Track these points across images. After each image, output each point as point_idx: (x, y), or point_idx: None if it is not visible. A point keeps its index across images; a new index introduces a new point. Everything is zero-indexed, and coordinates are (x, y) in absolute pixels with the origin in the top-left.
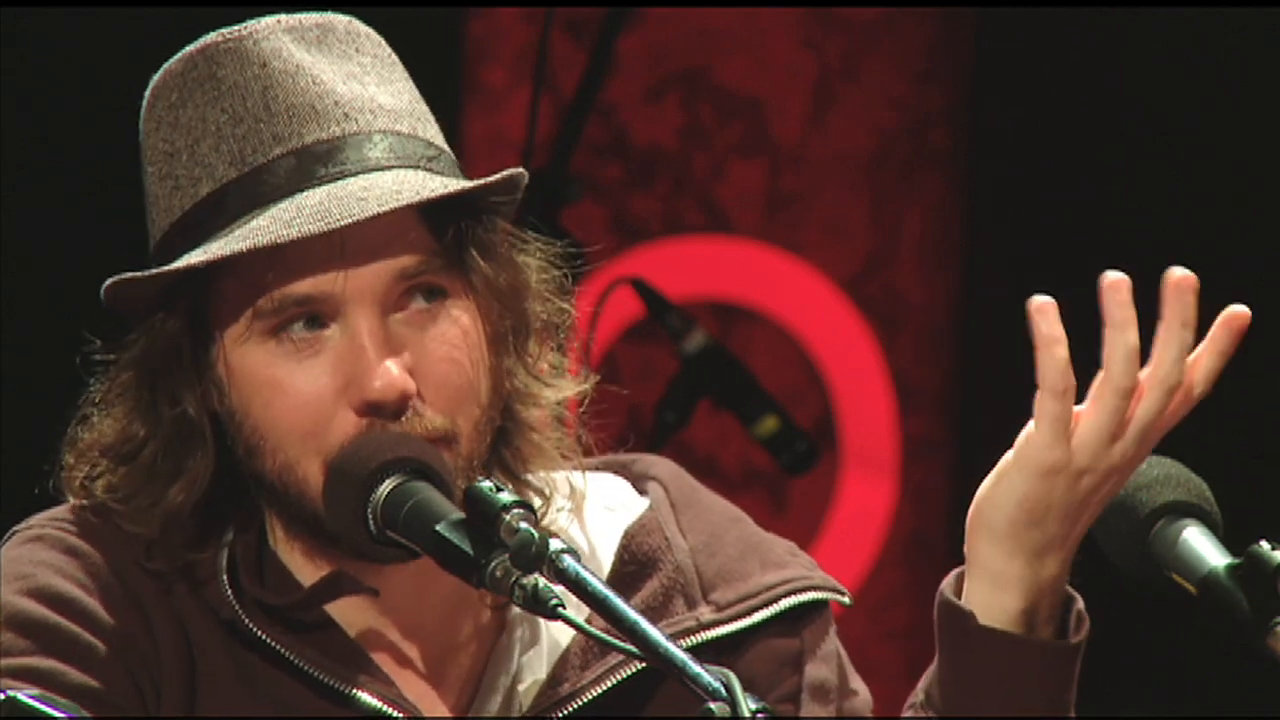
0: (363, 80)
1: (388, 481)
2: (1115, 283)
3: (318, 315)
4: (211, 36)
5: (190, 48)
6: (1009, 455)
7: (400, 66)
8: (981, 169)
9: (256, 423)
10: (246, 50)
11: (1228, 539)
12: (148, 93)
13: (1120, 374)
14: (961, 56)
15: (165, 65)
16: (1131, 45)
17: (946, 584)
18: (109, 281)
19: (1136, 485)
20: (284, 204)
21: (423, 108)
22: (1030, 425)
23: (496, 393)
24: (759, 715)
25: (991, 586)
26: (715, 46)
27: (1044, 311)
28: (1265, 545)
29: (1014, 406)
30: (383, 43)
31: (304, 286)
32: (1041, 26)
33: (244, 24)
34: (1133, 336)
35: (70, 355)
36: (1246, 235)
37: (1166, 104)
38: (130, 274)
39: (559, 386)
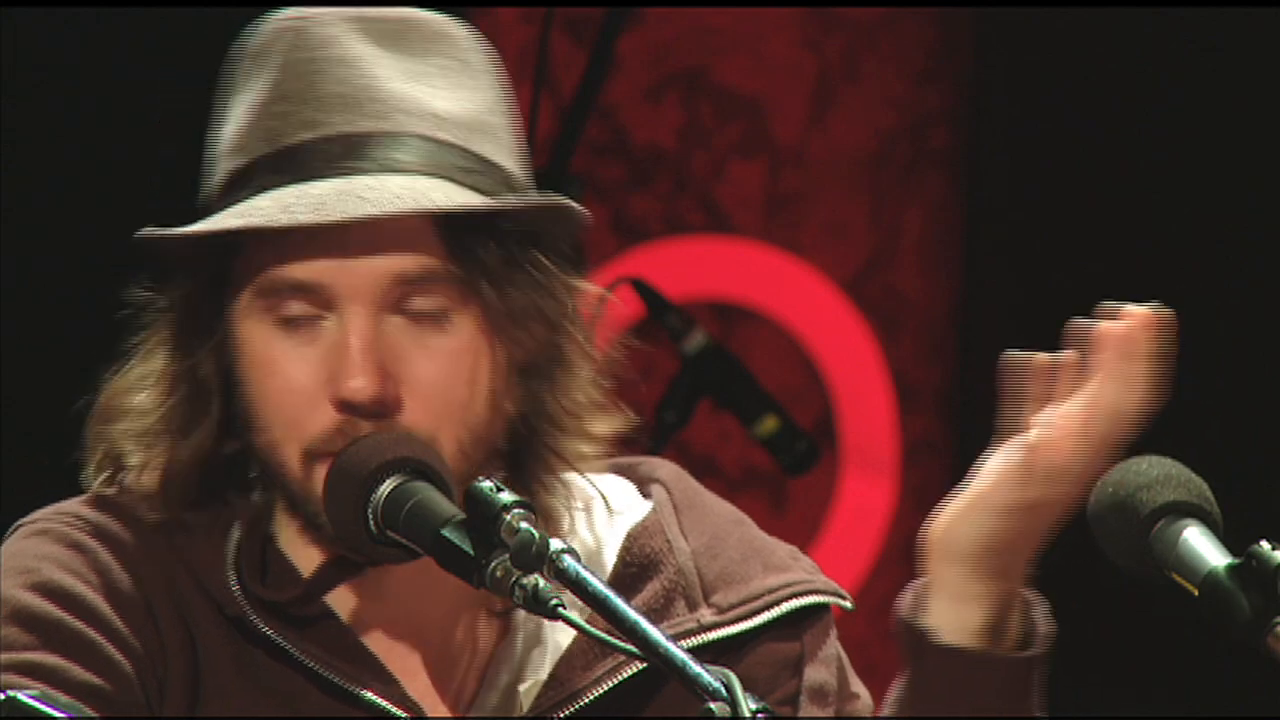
0: (431, 82)
1: (388, 481)
2: (1081, 328)
3: (314, 303)
4: (286, 12)
5: (270, 18)
6: (972, 492)
7: (488, 75)
8: (981, 169)
9: (250, 398)
10: (309, 32)
11: (1228, 539)
12: (232, 58)
13: (1079, 416)
14: (961, 56)
15: (250, 31)
16: (1132, 45)
17: (905, 602)
18: (139, 233)
19: (1136, 485)
20: (291, 189)
21: (493, 120)
22: (991, 465)
23: (494, 416)
24: (759, 715)
25: (954, 603)
26: (715, 46)
27: (1014, 369)
28: (1265, 545)
29: None
30: (475, 48)
31: (301, 273)
32: (1041, 27)
33: (319, 8)
34: (1095, 383)
35: (80, 346)
36: (1247, 235)
37: (1167, 103)
38: (146, 231)
39: (596, 420)
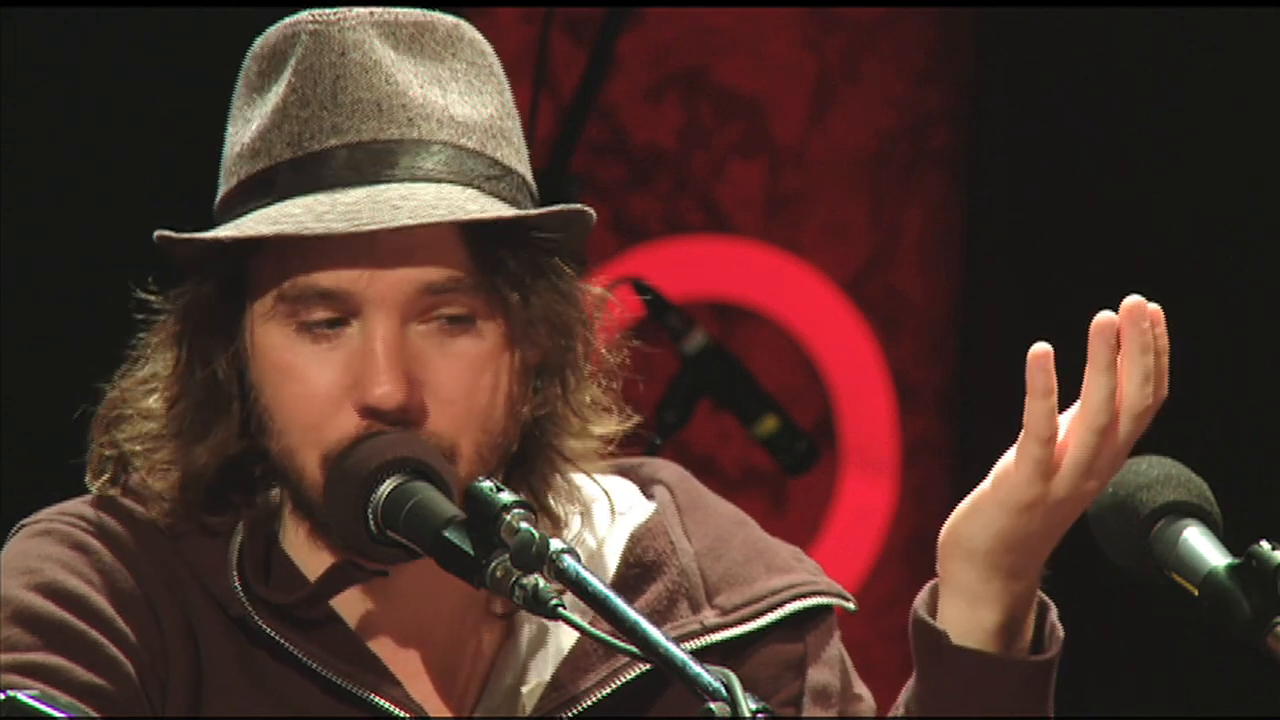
0: (446, 87)
1: (388, 481)
2: (1104, 324)
3: (339, 310)
4: (303, 15)
5: (286, 20)
6: (986, 488)
7: (498, 79)
8: (981, 169)
9: (268, 403)
10: (331, 36)
11: (1228, 539)
12: (246, 57)
13: (1097, 413)
14: (961, 56)
15: (265, 32)
16: (1132, 45)
17: (920, 601)
18: (156, 234)
19: (1136, 485)
20: (321, 196)
21: (506, 125)
22: (1008, 460)
23: (510, 421)
24: (759, 715)
25: (968, 604)
26: (715, 46)
27: (1042, 362)
28: (1265, 545)
29: (1014, 406)
30: (486, 52)
31: (328, 280)
32: (1041, 27)
33: (337, 9)
34: (1114, 380)
35: (80, 345)
36: (1248, 235)
37: (1167, 103)
38: (168, 233)
39: (599, 422)
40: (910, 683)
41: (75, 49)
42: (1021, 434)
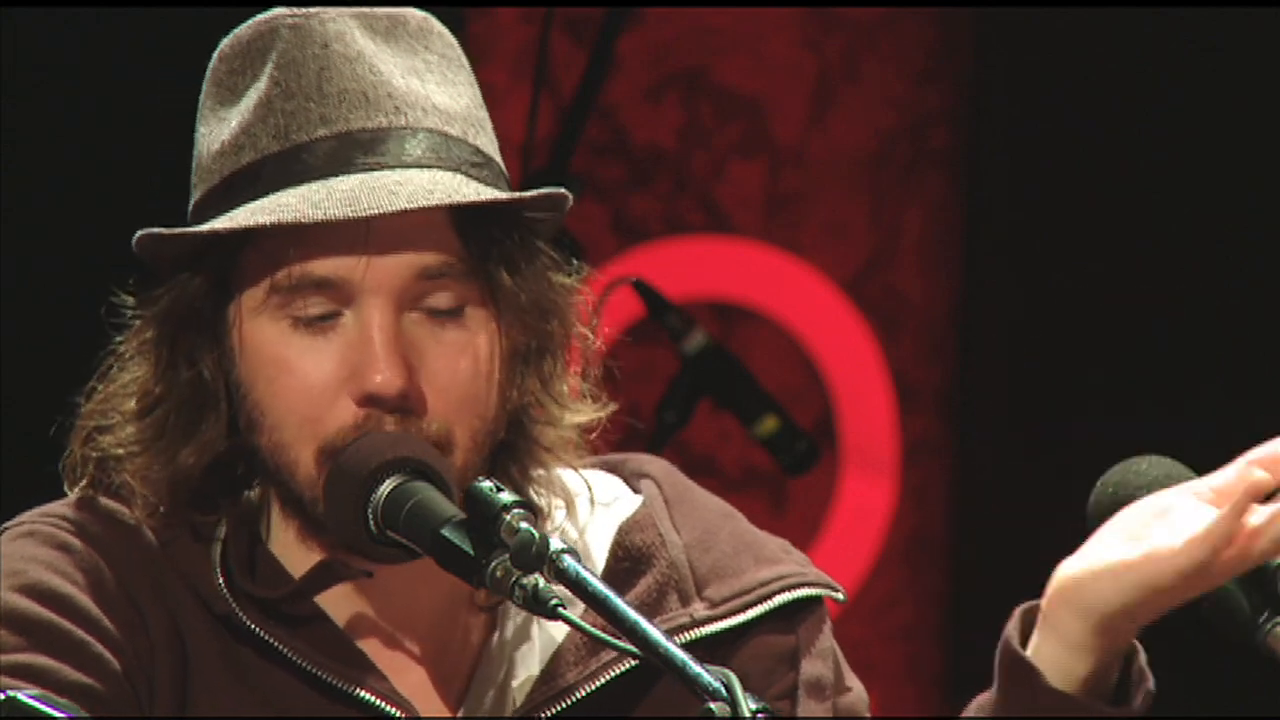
0: (423, 77)
1: (388, 481)
2: None
3: (333, 299)
4: (280, 10)
5: (259, 17)
6: (1133, 559)
7: (467, 71)
8: (981, 169)
9: (259, 398)
10: (311, 29)
11: None
12: (215, 54)
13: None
14: (961, 56)
15: (235, 30)
16: (1132, 45)
17: (1012, 630)
18: (138, 234)
19: (1137, 485)
20: (316, 185)
21: (481, 115)
22: (1171, 542)
23: (501, 408)
24: (759, 715)
25: (1065, 650)
26: (715, 46)
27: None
28: None
29: (1014, 406)
30: (455, 44)
31: (323, 268)
32: (1041, 27)
33: (309, 7)
34: None
35: (80, 346)
36: (1248, 235)
37: (1167, 103)
38: (157, 230)
39: (577, 410)
40: (984, 701)
41: (75, 49)
42: (1210, 526)
